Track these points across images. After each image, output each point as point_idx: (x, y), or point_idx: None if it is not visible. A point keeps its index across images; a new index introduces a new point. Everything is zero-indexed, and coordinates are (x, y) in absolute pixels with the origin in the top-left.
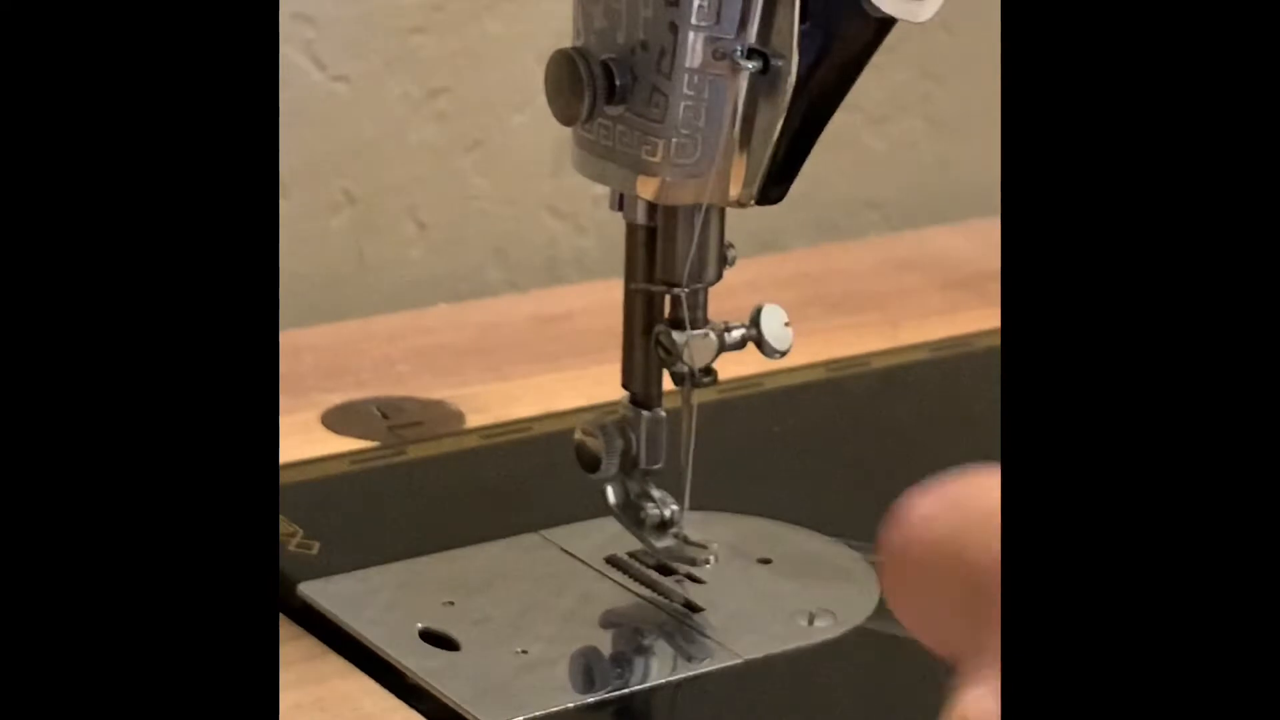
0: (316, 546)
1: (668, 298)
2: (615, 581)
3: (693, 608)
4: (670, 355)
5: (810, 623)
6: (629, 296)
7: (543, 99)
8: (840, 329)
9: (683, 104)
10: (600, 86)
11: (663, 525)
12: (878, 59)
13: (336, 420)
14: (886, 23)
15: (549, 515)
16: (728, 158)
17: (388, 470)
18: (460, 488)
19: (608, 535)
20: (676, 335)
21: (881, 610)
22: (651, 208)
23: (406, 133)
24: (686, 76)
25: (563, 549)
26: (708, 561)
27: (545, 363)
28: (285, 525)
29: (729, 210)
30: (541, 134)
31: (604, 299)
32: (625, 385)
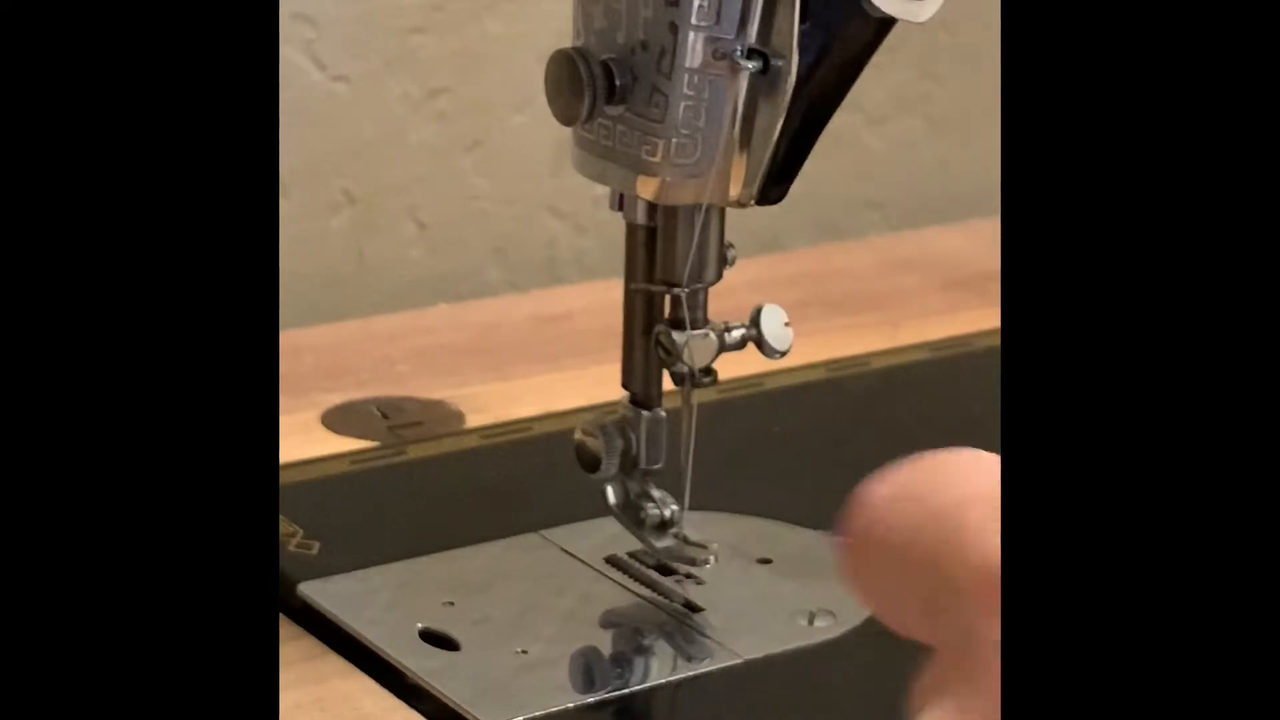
0: (316, 546)
1: (668, 298)
2: (615, 581)
3: (693, 608)
4: (670, 355)
5: (810, 623)
6: (629, 296)
7: (543, 99)
8: (840, 329)
9: (683, 104)
10: (600, 86)
11: (663, 525)
12: (878, 59)
13: (336, 420)
14: (886, 23)
15: (549, 515)
16: (728, 158)
17: (388, 470)
18: (460, 488)
19: (608, 535)
20: (676, 335)
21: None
22: (651, 208)
23: (406, 133)
24: (686, 76)
25: (563, 549)
26: (708, 561)
27: (545, 363)
28: (285, 525)
29: (729, 210)
30: (541, 134)
31: (604, 299)
32: (625, 385)
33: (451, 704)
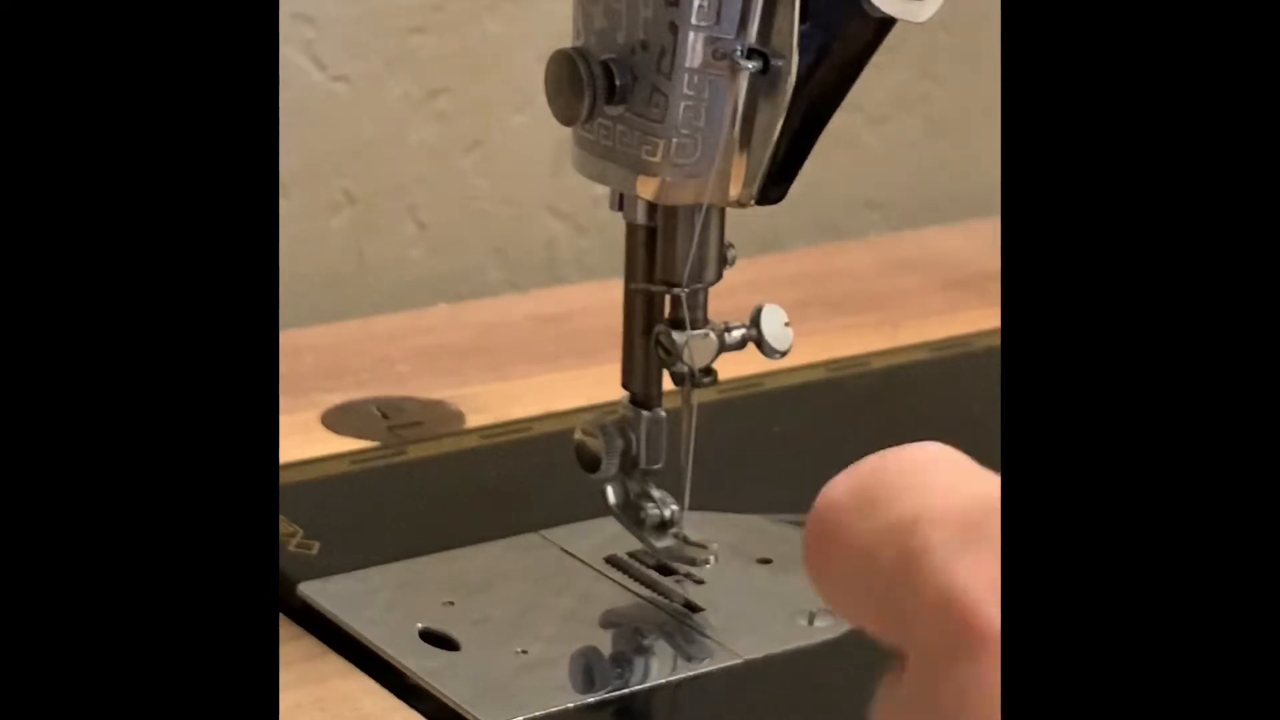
0: (316, 546)
1: (668, 298)
2: (615, 581)
3: (693, 608)
4: (670, 355)
5: (810, 623)
6: (629, 296)
7: (543, 99)
8: (840, 329)
9: (683, 104)
10: (600, 86)
11: (663, 525)
12: (878, 59)
13: (336, 420)
14: (886, 23)
15: (549, 515)
16: (728, 158)
17: (388, 470)
18: (460, 488)
19: (608, 535)
20: (676, 335)
21: None
22: (651, 208)
23: (406, 133)
24: (686, 76)
25: (563, 549)
26: (708, 561)
27: (545, 363)
28: (285, 525)
29: (729, 210)
30: (541, 134)
31: (604, 299)
32: (625, 385)
33: (451, 704)
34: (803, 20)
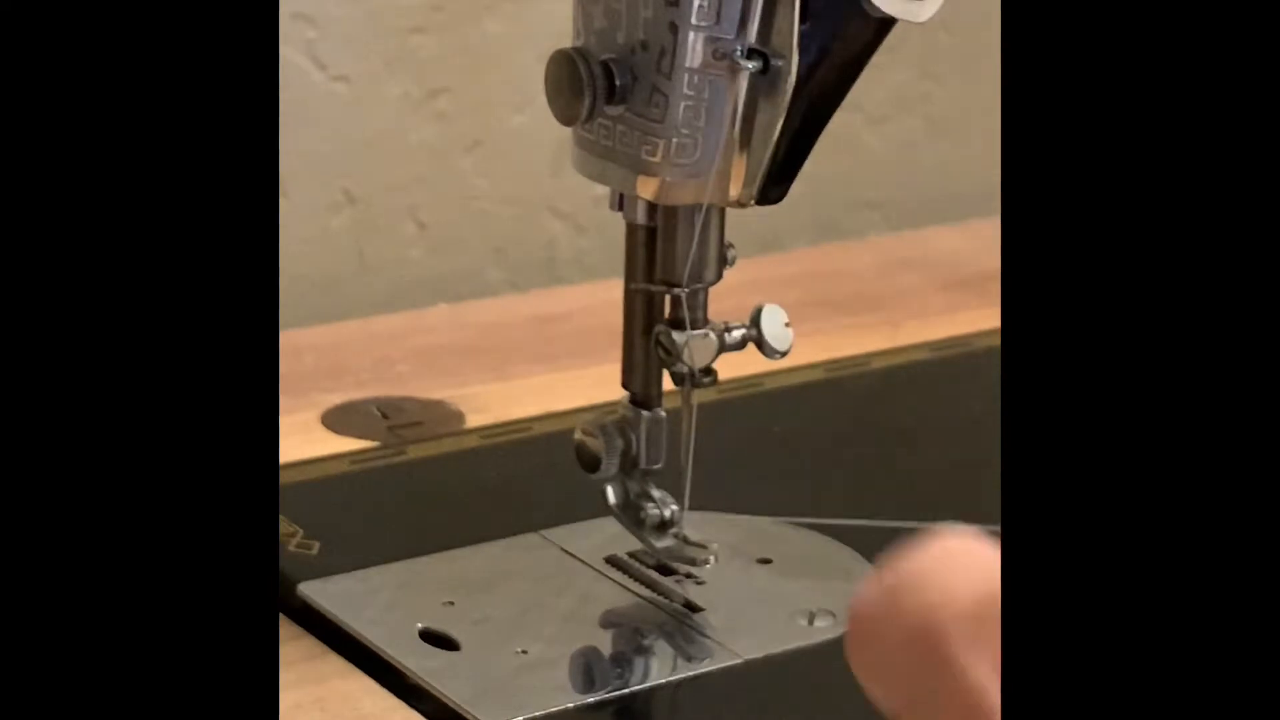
0: (316, 546)
1: (668, 298)
2: (615, 581)
3: (693, 608)
4: (670, 355)
5: (810, 623)
6: (629, 296)
7: (543, 99)
8: (840, 329)
9: (683, 104)
10: (600, 86)
11: (663, 525)
12: (878, 59)
13: (336, 420)
14: (886, 23)
15: (549, 515)
16: (728, 158)
17: (388, 470)
18: (460, 488)
19: (608, 535)
20: (676, 335)
21: None
22: (651, 208)
23: (406, 133)
24: (686, 76)
25: (563, 549)
26: (708, 561)
27: (545, 363)
28: (285, 525)
29: (729, 210)
30: (541, 134)
31: (604, 299)
32: (625, 385)
33: (451, 704)
34: (803, 20)
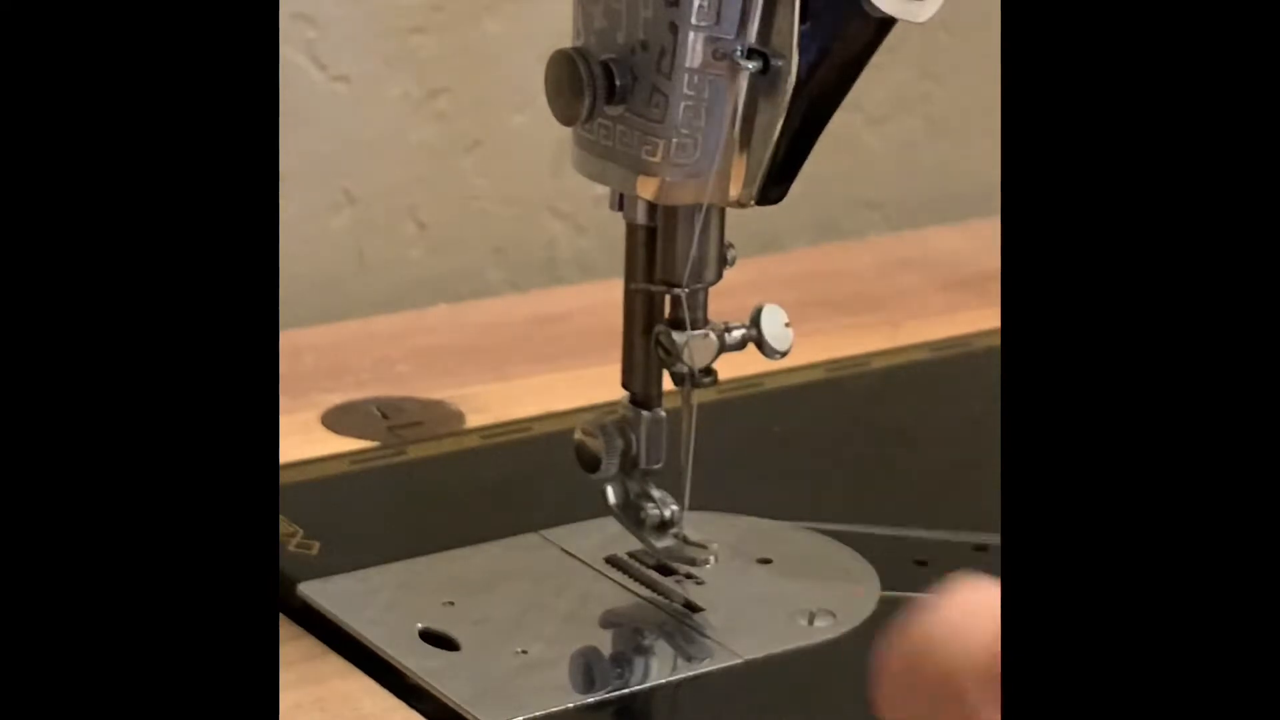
0: (316, 546)
1: (668, 298)
2: (615, 581)
3: (693, 608)
4: (670, 355)
5: (810, 623)
6: (629, 296)
7: (543, 99)
8: (840, 329)
9: (683, 104)
10: (600, 86)
11: (663, 525)
12: (878, 59)
13: (336, 420)
14: (886, 23)
15: (549, 515)
16: (728, 158)
17: (388, 470)
18: (460, 488)
19: (608, 535)
20: (676, 335)
21: (882, 610)
22: (651, 208)
23: (406, 133)
24: (686, 76)
25: (563, 549)
26: (708, 561)
27: (545, 363)
28: (285, 525)
29: (729, 210)
30: (541, 134)
31: (604, 299)
32: (625, 385)
33: (451, 704)
34: (803, 20)
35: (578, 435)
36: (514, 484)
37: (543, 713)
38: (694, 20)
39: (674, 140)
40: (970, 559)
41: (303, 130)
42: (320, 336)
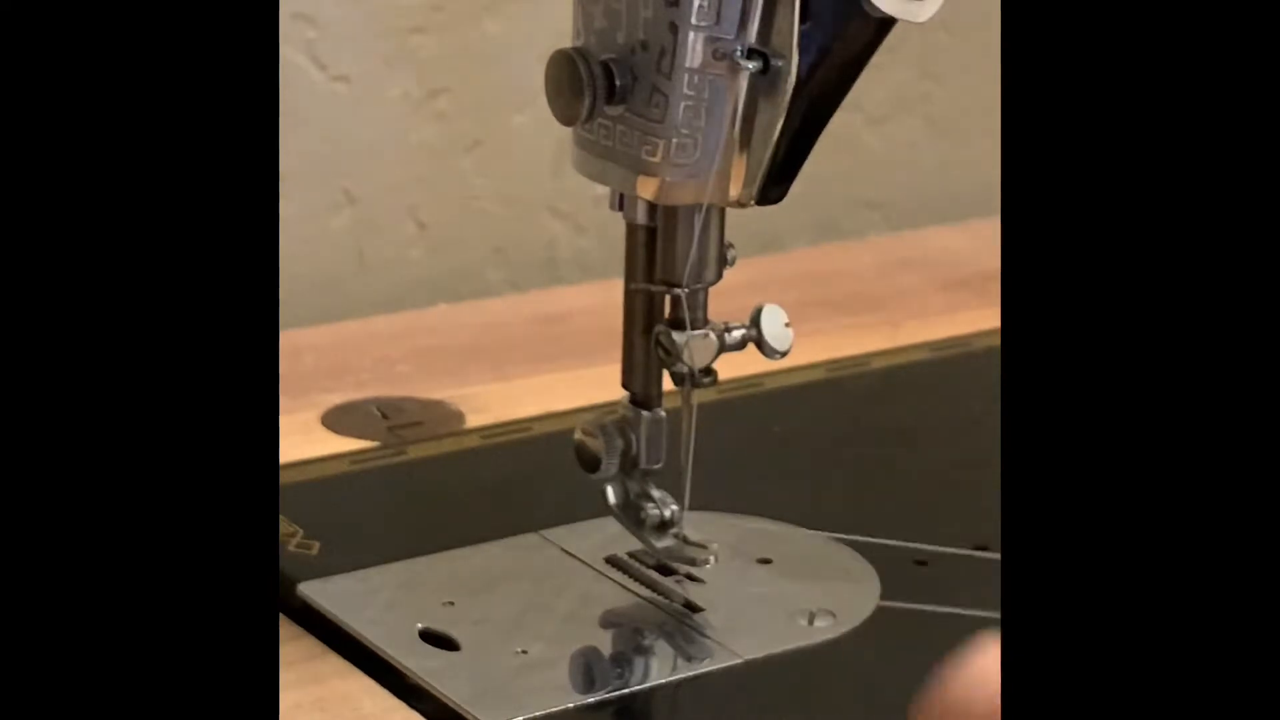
0: (316, 546)
1: (668, 298)
2: (615, 581)
3: (693, 608)
4: (670, 355)
5: (810, 623)
6: (629, 296)
7: (543, 99)
8: (840, 329)
9: (683, 104)
10: (600, 86)
11: (663, 525)
12: (878, 59)
13: (336, 420)
14: (886, 23)
15: (549, 515)
16: (728, 158)
17: (388, 470)
18: (460, 488)
19: (608, 535)
20: (676, 335)
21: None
22: (651, 208)
23: (406, 133)
24: (686, 76)
25: (563, 549)
26: (708, 561)
27: (545, 363)
28: (285, 525)
29: (729, 210)
30: (541, 134)
31: (604, 299)
32: (625, 385)
33: (451, 704)
34: (803, 20)
35: (578, 435)
36: (514, 484)
37: (543, 713)
38: (694, 20)
39: (674, 140)
40: (970, 559)
41: (303, 130)
42: (320, 336)
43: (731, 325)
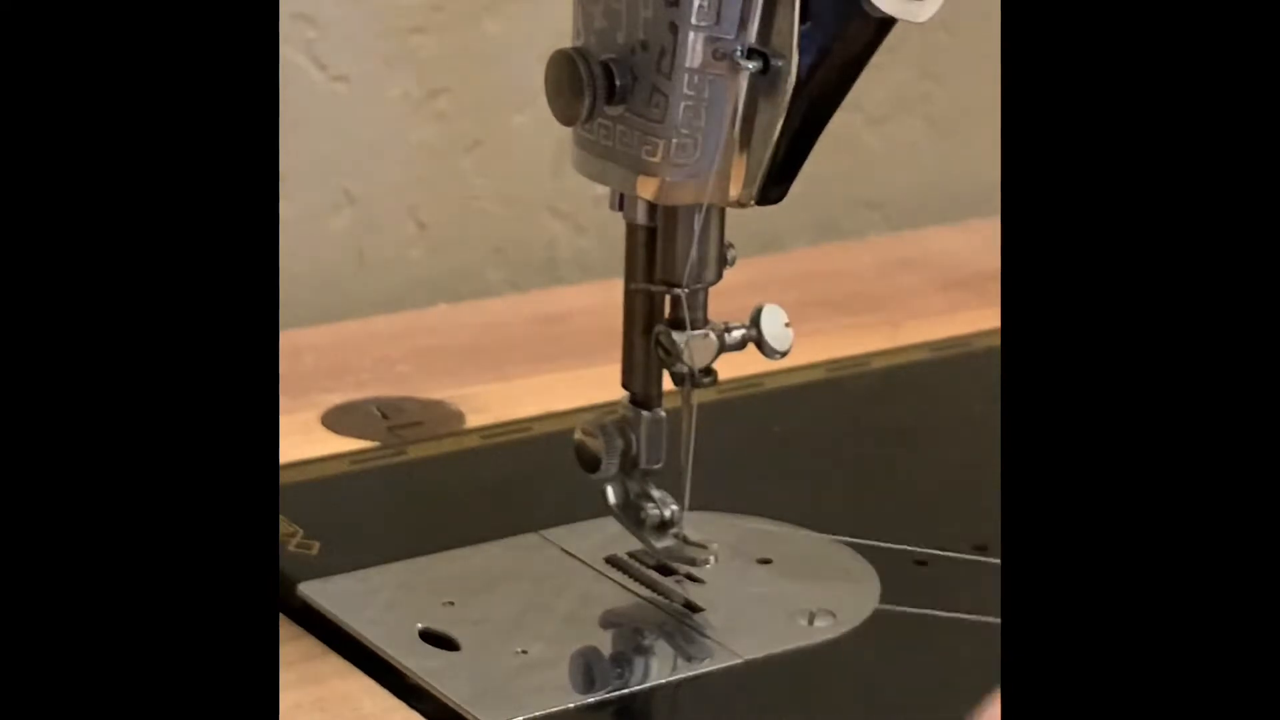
0: (316, 546)
1: (668, 298)
2: (615, 581)
3: (693, 608)
4: (670, 355)
5: (810, 623)
6: (629, 296)
7: (543, 99)
8: (840, 329)
9: (683, 104)
10: (600, 86)
11: (663, 525)
12: (878, 59)
13: (336, 420)
14: (886, 23)
15: (549, 515)
16: (728, 158)
17: (388, 470)
18: (460, 488)
19: (608, 535)
20: (676, 335)
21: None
22: (651, 208)
23: (406, 133)
24: (686, 76)
25: (563, 549)
26: (708, 561)
27: (545, 363)
28: (285, 525)
29: (729, 210)
30: (541, 134)
31: (604, 299)
32: (625, 385)
33: (451, 704)
34: (803, 20)
35: (578, 435)
36: (514, 484)
37: (543, 713)
38: (694, 20)
39: (674, 140)
40: (970, 560)
41: (303, 130)
42: (320, 336)
43: (731, 325)
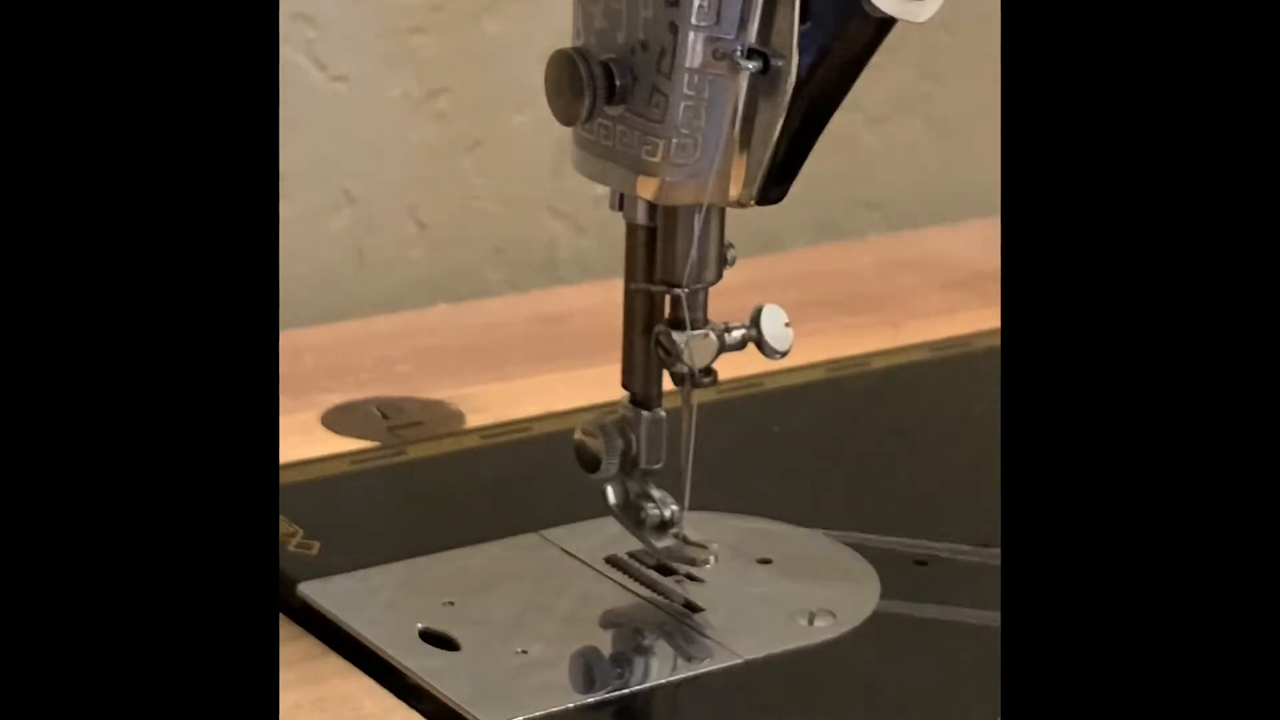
0: (316, 546)
1: (668, 298)
2: (615, 581)
3: (693, 608)
4: (670, 355)
5: (810, 623)
6: (629, 296)
7: (543, 99)
8: (840, 329)
9: (683, 104)
10: (600, 86)
11: (663, 525)
12: (878, 59)
13: (336, 420)
14: (886, 23)
15: (549, 515)
16: (728, 158)
17: (388, 470)
18: (460, 488)
19: (608, 535)
20: (676, 335)
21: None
22: (651, 208)
23: (406, 133)
24: (686, 76)
25: (563, 549)
26: (708, 561)
27: (545, 363)
28: (285, 525)
29: (729, 210)
30: (541, 134)
31: (604, 299)
32: (625, 385)
33: (451, 704)
34: (803, 20)
35: (578, 435)
36: (514, 484)
37: (543, 713)
38: (694, 20)
39: (674, 140)
40: (970, 559)
41: (303, 130)
42: (320, 336)
43: (731, 325)
